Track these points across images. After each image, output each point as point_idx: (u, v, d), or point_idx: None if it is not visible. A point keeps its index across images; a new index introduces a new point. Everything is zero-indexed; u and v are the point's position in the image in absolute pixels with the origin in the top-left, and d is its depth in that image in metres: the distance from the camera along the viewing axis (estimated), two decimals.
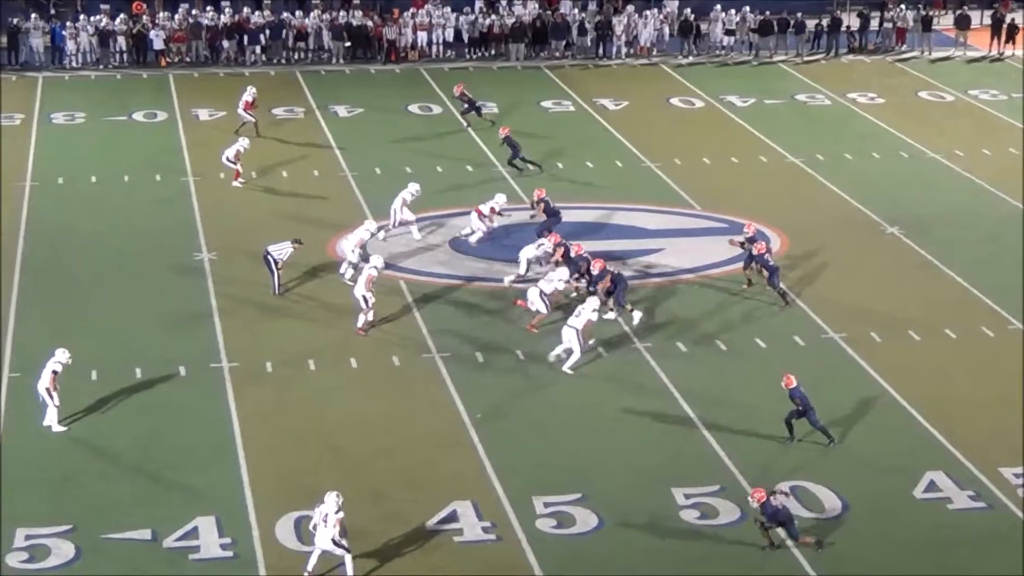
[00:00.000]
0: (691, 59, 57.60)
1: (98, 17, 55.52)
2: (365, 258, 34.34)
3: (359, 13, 56.96)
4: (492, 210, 37.69)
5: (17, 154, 44.35)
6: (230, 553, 24.54)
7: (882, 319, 33.68)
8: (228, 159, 41.76)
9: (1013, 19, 59.87)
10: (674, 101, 51.92)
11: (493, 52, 57.40)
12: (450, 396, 30.02)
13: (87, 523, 25.14)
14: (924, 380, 30.88)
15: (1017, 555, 24.74)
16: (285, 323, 33.24)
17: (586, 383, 30.64)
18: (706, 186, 42.62)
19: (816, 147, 46.39)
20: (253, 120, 45.65)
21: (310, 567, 23.76)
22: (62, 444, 27.97)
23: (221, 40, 55.50)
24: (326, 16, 56.81)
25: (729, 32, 58.57)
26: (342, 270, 35.38)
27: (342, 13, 57.16)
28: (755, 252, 34.65)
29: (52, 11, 57.50)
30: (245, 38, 55.44)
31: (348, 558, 23.68)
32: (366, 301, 32.42)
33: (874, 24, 59.92)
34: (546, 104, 51.14)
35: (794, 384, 27.84)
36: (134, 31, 54.97)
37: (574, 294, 33.95)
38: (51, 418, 28.29)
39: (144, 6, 56.73)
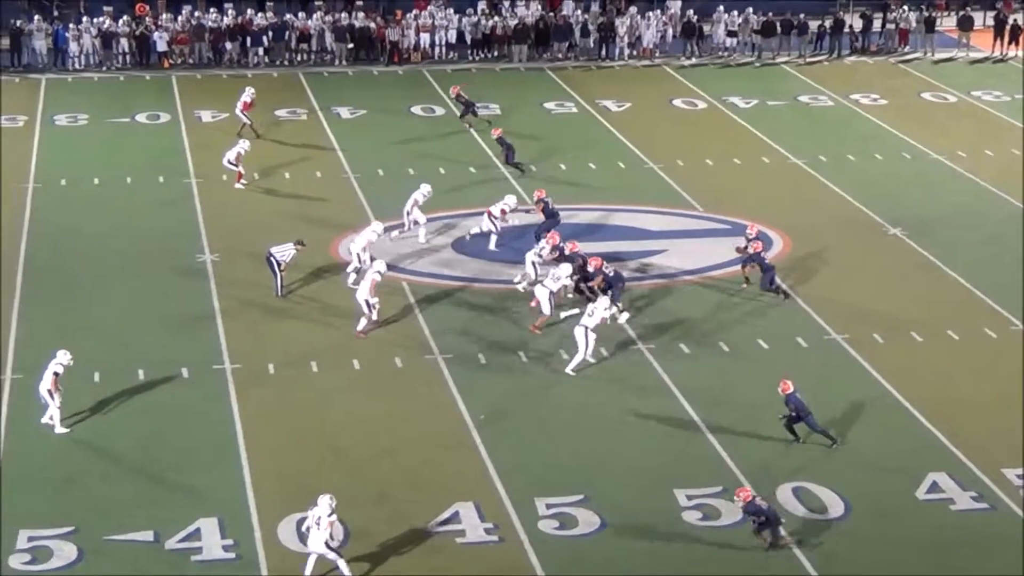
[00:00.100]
0: (694, 60, 57.59)
1: (101, 19, 55.51)
2: (372, 259, 34.36)
3: (362, 15, 56.97)
4: (503, 211, 37.69)
5: (20, 156, 44.37)
6: (232, 554, 24.52)
7: (884, 320, 33.66)
8: (229, 161, 41.76)
9: (1016, 20, 59.82)
10: (677, 102, 51.91)
11: (496, 54, 57.38)
12: (452, 397, 30.00)
13: (89, 525, 25.13)
14: (926, 381, 30.86)
15: (1019, 556, 24.70)
16: (287, 324, 33.24)
17: (588, 384, 30.63)
18: (709, 187, 42.61)
19: (819, 148, 46.37)
20: (248, 122, 45.61)
21: (308, 572, 23.70)
22: (64, 445, 27.96)
23: (224, 42, 55.53)
24: (329, 18, 56.83)
25: (732, 33, 58.58)
26: (349, 270, 35.37)
27: (345, 15, 57.16)
28: (751, 251, 34.71)
29: (55, 13, 57.48)
30: (248, 40, 55.46)
31: (342, 562, 23.59)
32: (369, 306, 32.40)
33: (877, 25, 59.90)
34: (549, 105, 51.13)
35: (791, 390, 27.76)
36: (137, 33, 55.01)
37: (571, 295, 33.95)
38: (53, 418, 28.29)
39: (147, 8, 56.73)
